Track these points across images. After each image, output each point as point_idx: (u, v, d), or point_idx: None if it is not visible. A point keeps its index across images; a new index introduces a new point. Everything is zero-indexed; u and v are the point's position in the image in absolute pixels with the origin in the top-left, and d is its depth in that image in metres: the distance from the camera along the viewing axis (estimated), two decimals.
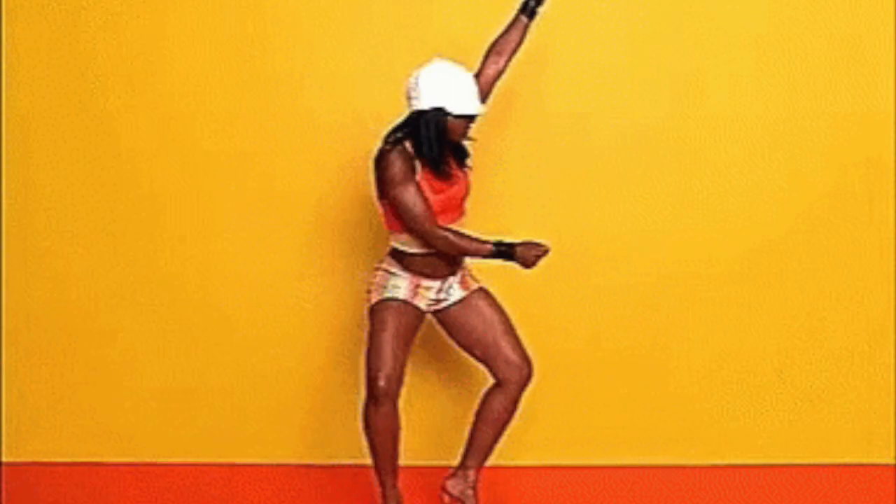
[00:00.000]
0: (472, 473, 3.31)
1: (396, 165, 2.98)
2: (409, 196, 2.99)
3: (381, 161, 3.02)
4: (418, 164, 3.03)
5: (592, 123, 3.74)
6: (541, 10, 3.25)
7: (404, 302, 3.15)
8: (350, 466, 3.77)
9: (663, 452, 3.83)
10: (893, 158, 3.73)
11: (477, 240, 3.07)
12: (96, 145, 3.77)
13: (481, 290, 3.28)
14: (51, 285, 3.83)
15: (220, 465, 3.84)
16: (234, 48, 3.73)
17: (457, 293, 3.23)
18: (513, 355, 3.21)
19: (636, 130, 3.73)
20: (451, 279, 3.23)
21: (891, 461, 3.82)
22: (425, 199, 3.01)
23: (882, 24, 3.68)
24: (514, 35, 3.23)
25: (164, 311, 3.84)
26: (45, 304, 3.84)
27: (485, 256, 3.07)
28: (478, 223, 3.72)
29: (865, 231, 3.76)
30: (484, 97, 3.19)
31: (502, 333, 3.22)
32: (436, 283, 3.19)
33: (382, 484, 3.25)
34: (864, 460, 3.81)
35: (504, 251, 3.04)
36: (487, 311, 3.23)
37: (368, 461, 3.28)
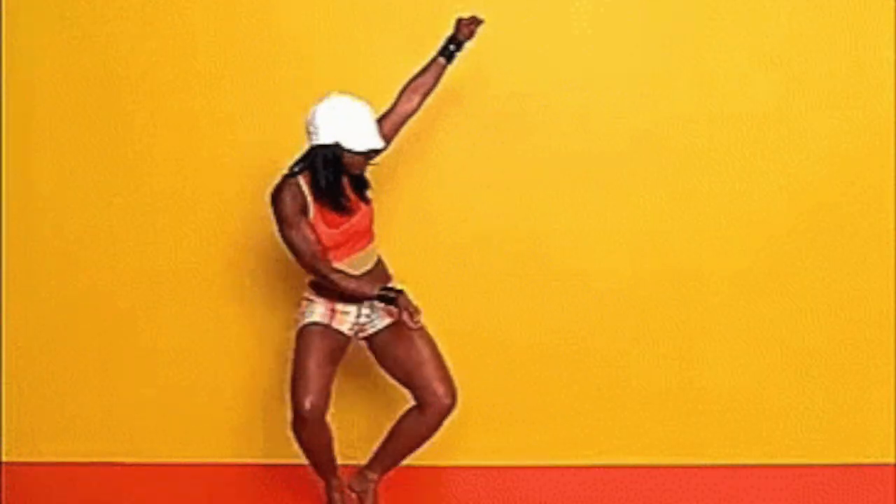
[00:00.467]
0: (373, 475, 3.36)
1: (286, 206, 3.02)
2: (299, 238, 3.04)
3: (274, 199, 3.05)
4: (310, 200, 3.05)
5: (593, 124, 3.74)
6: (459, 54, 3.28)
7: (324, 326, 3.18)
8: (349, 467, 3.77)
9: (663, 452, 3.83)
10: (893, 159, 3.73)
11: (364, 283, 3.08)
12: (96, 145, 3.78)
13: None
14: (51, 285, 3.84)
15: (220, 465, 3.84)
16: (234, 48, 3.73)
17: (382, 321, 3.26)
18: (436, 384, 3.18)
19: (636, 131, 3.73)
20: (367, 305, 3.23)
21: (891, 461, 3.82)
22: (313, 239, 3.04)
23: (882, 24, 3.68)
24: (429, 77, 3.26)
25: (163, 311, 3.84)
26: (45, 304, 3.85)
27: (368, 299, 3.09)
28: (477, 223, 3.73)
29: (866, 232, 3.76)
30: (392, 134, 3.22)
31: (427, 361, 3.20)
32: (352, 308, 3.21)
33: (326, 481, 3.37)
34: (864, 460, 3.81)
35: (386, 297, 3.03)
36: (414, 337, 3.22)
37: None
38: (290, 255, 3.05)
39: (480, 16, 3.34)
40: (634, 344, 3.81)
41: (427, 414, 3.18)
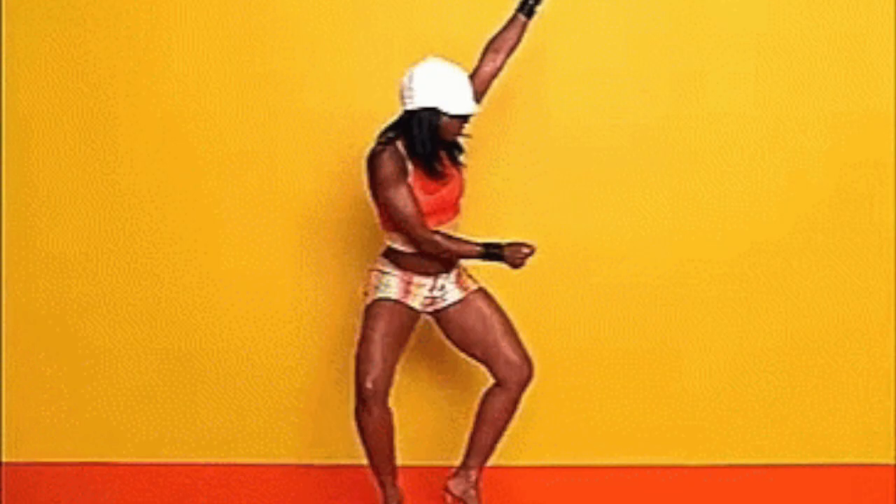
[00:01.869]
0: (473, 473, 3.32)
1: (387, 167, 2.96)
2: (400, 198, 2.98)
3: (372, 162, 3.00)
4: (410, 165, 3.02)
5: (592, 124, 3.74)
6: (539, 8, 3.25)
7: (396, 301, 3.15)
8: (349, 466, 3.77)
9: (663, 452, 3.83)
10: (893, 159, 3.73)
11: (466, 242, 3.07)
12: (96, 145, 3.78)
13: (480, 290, 3.27)
14: (51, 285, 3.84)
15: (220, 465, 3.84)
16: (234, 48, 3.73)
17: (454, 294, 3.23)
18: (513, 356, 3.20)
19: (636, 131, 3.73)
20: (444, 277, 3.22)
21: (891, 461, 3.82)
22: (416, 202, 3.00)
23: (882, 24, 3.68)
24: (512, 33, 3.23)
25: (162, 311, 3.84)
26: (45, 304, 3.85)
27: (474, 258, 3.07)
28: (477, 223, 3.73)
29: (865, 231, 3.76)
30: (480, 96, 3.18)
31: (502, 334, 3.21)
32: (428, 280, 3.19)
33: (382, 484, 3.25)
34: (864, 460, 3.82)
35: (492, 252, 3.05)
36: (487, 311, 3.22)
37: (367, 461, 3.29)
38: (392, 216, 3.03)
39: None
40: (634, 343, 3.81)
41: (508, 387, 3.18)
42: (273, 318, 3.83)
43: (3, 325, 3.86)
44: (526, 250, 3.04)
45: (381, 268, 3.19)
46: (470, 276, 3.30)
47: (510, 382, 3.20)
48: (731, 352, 3.81)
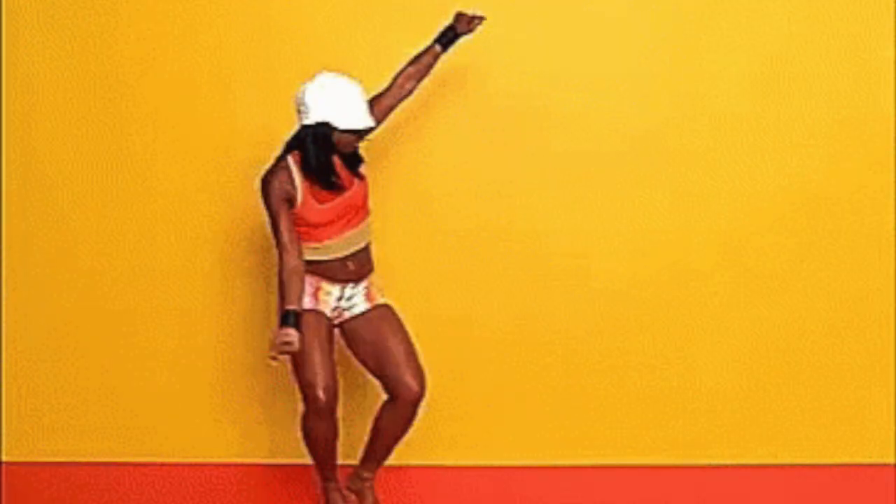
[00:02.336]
0: (368, 475, 3.34)
1: (271, 190, 3.04)
2: (277, 222, 3.06)
3: (261, 186, 3.06)
4: (299, 179, 3.05)
5: (592, 125, 3.74)
6: (457, 41, 3.30)
7: (312, 311, 3.16)
8: (349, 466, 3.77)
9: (663, 452, 3.83)
10: (893, 159, 3.73)
11: (284, 297, 3.05)
12: (96, 145, 3.78)
13: (385, 305, 3.27)
14: (51, 285, 3.84)
15: (221, 466, 3.84)
16: (234, 48, 3.73)
17: (361, 306, 3.24)
18: (406, 376, 3.15)
19: (636, 132, 3.73)
20: (352, 287, 3.23)
21: (891, 461, 3.82)
22: (290, 228, 3.06)
23: (882, 24, 3.68)
24: (425, 62, 3.29)
25: (163, 311, 3.84)
26: (45, 304, 3.85)
27: (279, 310, 3.08)
28: (477, 222, 3.73)
29: (865, 231, 3.76)
30: (384, 116, 3.23)
31: (399, 352, 3.18)
32: (334, 289, 3.20)
33: (326, 479, 3.31)
34: (864, 460, 3.82)
35: (285, 320, 3.00)
36: (386, 326, 3.21)
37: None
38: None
39: (481, 14, 3.34)
40: (634, 343, 3.81)
41: (399, 405, 3.15)
42: (273, 318, 3.83)
43: (3, 325, 3.86)
44: (289, 338, 2.98)
45: None
46: (379, 290, 3.30)
47: (401, 400, 3.16)
48: (731, 352, 3.81)
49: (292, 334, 2.96)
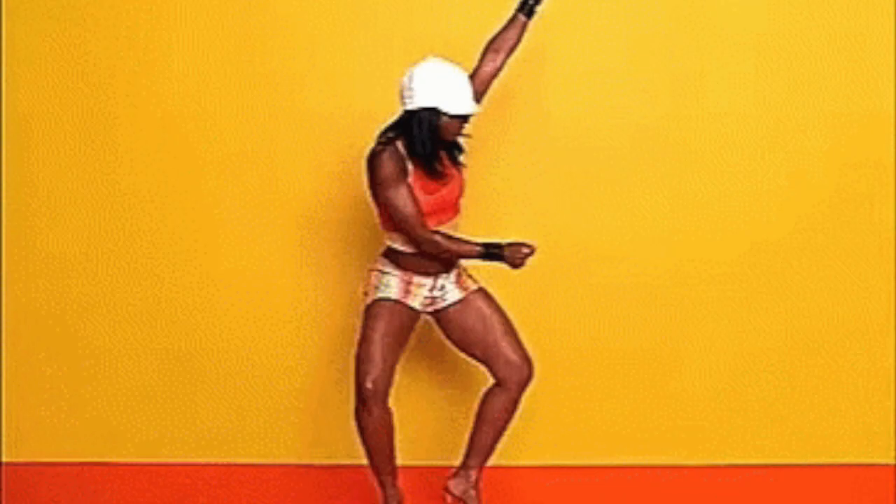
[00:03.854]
0: (473, 473, 3.32)
1: (387, 166, 2.96)
2: (400, 198, 2.98)
3: (372, 162, 3.00)
4: (410, 165, 3.02)
5: (592, 124, 3.74)
6: (539, 8, 3.25)
7: (396, 301, 3.15)
8: (349, 466, 3.77)
9: (663, 452, 3.83)
10: (893, 159, 3.73)
11: (466, 242, 3.07)
12: (96, 145, 3.78)
13: (480, 290, 3.27)
14: (51, 285, 3.84)
15: (220, 465, 3.84)
16: (234, 48, 3.73)
17: (454, 294, 3.23)
18: (513, 356, 3.20)
19: (636, 131, 3.73)
20: (444, 277, 3.22)
21: (891, 461, 3.82)
22: (416, 201, 3.00)
23: (882, 24, 3.68)
24: (512, 33, 3.23)
25: (163, 311, 3.84)
26: (45, 304, 3.85)
27: (474, 258, 3.07)
28: (477, 223, 3.73)
29: (865, 231, 3.76)
30: (480, 96, 3.19)
31: (502, 334, 3.22)
32: (428, 281, 3.19)
33: (382, 484, 3.25)
34: (864, 460, 3.82)
35: (493, 252, 3.05)
36: (486, 311, 3.23)
37: (367, 461, 3.28)
38: (392, 216, 3.04)
39: None
40: (634, 343, 3.81)
41: (508, 387, 3.19)
42: (273, 318, 3.83)
43: (3, 325, 3.86)
44: (526, 250, 3.04)
45: (380, 268, 3.19)
46: (470, 276, 3.30)
47: (510, 382, 3.20)
48: (731, 352, 3.81)
49: (524, 247, 3.02)
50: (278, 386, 3.86)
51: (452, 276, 3.24)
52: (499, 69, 3.23)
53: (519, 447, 3.80)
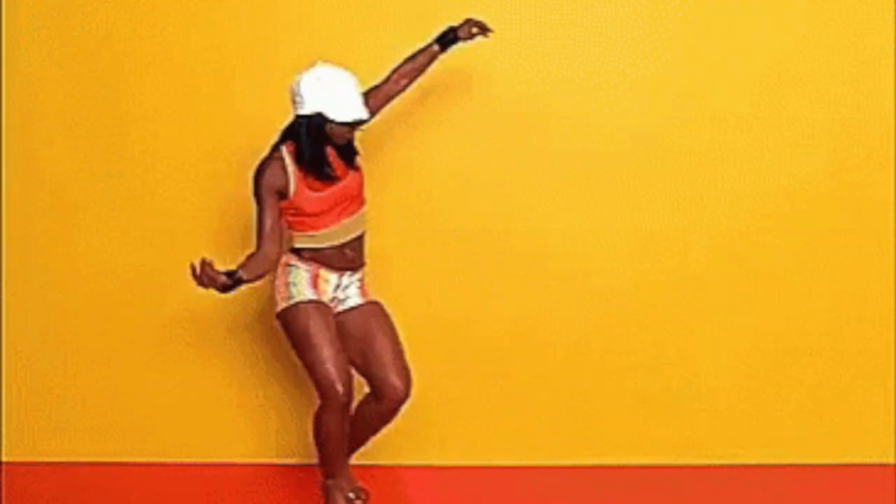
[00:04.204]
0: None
1: (262, 178, 3.04)
2: (262, 212, 3.06)
3: (255, 173, 3.08)
4: (293, 169, 3.06)
5: (592, 124, 3.74)
6: (454, 47, 3.32)
7: (318, 302, 3.15)
8: (349, 466, 3.77)
9: (663, 452, 3.83)
10: (893, 158, 3.73)
11: (243, 264, 3.01)
12: (96, 145, 3.78)
13: (376, 302, 3.28)
14: (51, 285, 3.84)
15: (220, 465, 3.84)
16: (235, 48, 3.73)
17: (354, 299, 3.25)
18: (391, 375, 3.16)
19: (636, 131, 3.74)
20: (349, 276, 3.23)
21: (891, 461, 3.82)
22: (274, 219, 3.06)
23: (882, 24, 3.68)
24: (423, 61, 3.31)
25: (163, 311, 3.84)
26: (45, 304, 3.85)
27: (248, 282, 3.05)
28: (478, 222, 3.74)
29: (865, 231, 3.76)
30: (377, 109, 3.24)
31: (387, 351, 3.18)
32: (333, 276, 3.20)
33: (330, 476, 3.26)
34: (864, 460, 3.81)
35: (229, 274, 2.96)
36: (375, 323, 3.22)
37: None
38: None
39: (489, 28, 3.35)
40: (634, 343, 3.81)
41: (383, 404, 3.16)
42: (274, 317, 3.83)
43: (3, 325, 3.85)
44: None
45: (287, 261, 3.20)
46: (369, 287, 3.33)
47: (386, 400, 3.17)
48: (731, 352, 3.81)
49: (219, 279, 2.88)
50: (279, 386, 3.86)
51: (356, 279, 3.26)
52: (401, 91, 3.31)
53: (518, 447, 3.80)
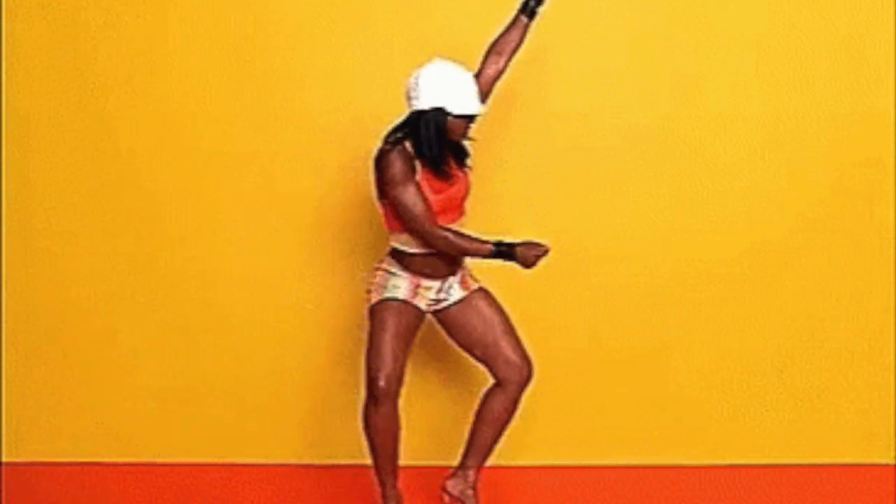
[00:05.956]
0: (472, 473, 3.32)
1: (396, 165, 2.98)
2: (409, 196, 2.99)
3: (380, 161, 3.02)
4: (418, 164, 3.03)
5: (592, 123, 3.74)
6: (541, 9, 3.25)
7: (404, 302, 3.15)
8: (350, 466, 3.77)
9: (663, 452, 3.83)
10: (893, 158, 3.73)
11: (477, 240, 3.07)
12: (96, 145, 3.78)
13: (481, 290, 3.28)
14: (51, 285, 3.84)
15: (220, 465, 3.84)
16: (235, 48, 3.73)
17: (457, 293, 3.24)
18: (513, 356, 3.21)
19: (636, 130, 3.74)
20: (451, 279, 3.23)
21: (891, 461, 3.82)
22: (425, 199, 3.01)
23: (882, 24, 3.68)
24: (514, 35, 3.24)
25: (164, 311, 3.84)
26: (45, 304, 3.85)
27: (485, 256, 3.07)
28: (478, 223, 3.72)
29: (865, 231, 3.76)
30: (484, 97, 3.19)
31: (502, 333, 3.22)
32: (436, 283, 3.19)
33: (382, 484, 3.26)
34: (864, 460, 3.81)
35: (504, 251, 3.04)
36: (487, 311, 3.23)
37: (368, 461, 3.28)
38: (402, 216, 3.04)
39: None
40: (634, 343, 3.81)
41: (507, 387, 3.19)
42: (276, 318, 3.83)
43: (3, 325, 3.85)
44: (539, 250, 3.05)
45: (388, 268, 3.20)
46: (472, 276, 3.31)
47: (509, 382, 3.21)
48: (731, 351, 3.81)
49: (538, 247, 3.01)
50: (280, 386, 3.86)
51: (458, 275, 3.25)
52: (502, 71, 3.24)
53: (519, 447, 3.79)
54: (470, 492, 3.32)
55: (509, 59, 3.24)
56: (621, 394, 3.83)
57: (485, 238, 3.08)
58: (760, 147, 3.74)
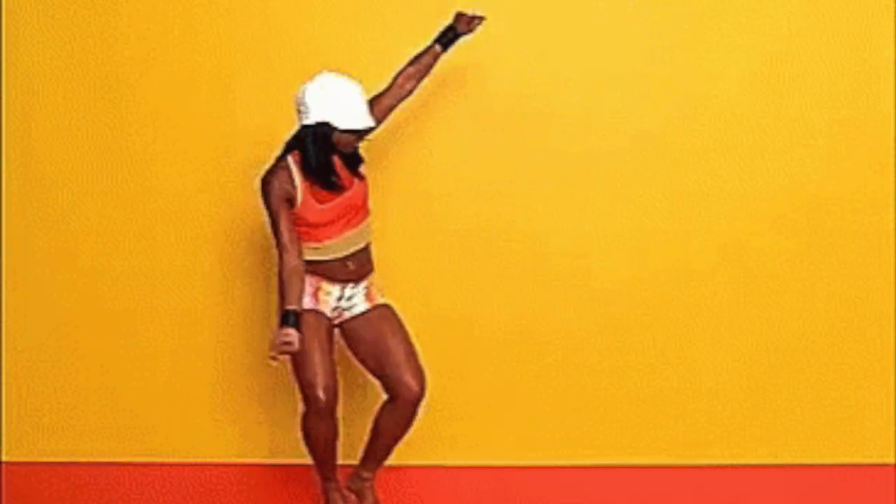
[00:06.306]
0: (367, 474, 3.33)
1: (271, 192, 3.04)
2: (278, 224, 3.05)
3: (261, 185, 3.07)
4: (298, 179, 3.06)
5: (593, 125, 3.74)
6: (454, 45, 3.31)
7: (312, 311, 3.16)
8: (349, 466, 3.77)
9: (663, 452, 3.83)
10: (893, 158, 3.73)
11: (286, 296, 3.04)
12: (96, 145, 3.78)
13: (385, 305, 3.27)
14: (51, 285, 3.84)
15: (220, 465, 3.84)
16: (234, 48, 3.73)
17: (361, 305, 3.25)
18: (405, 375, 3.15)
19: (636, 132, 3.73)
20: (353, 288, 3.23)
21: (891, 461, 3.82)
22: (291, 228, 3.06)
23: (882, 24, 3.68)
24: (426, 62, 3.29)
25: (164, 311, 3.84)
26: (45, 304, 3.85)
27: (279, 310, 3.09)
28: (477, 223, 3.73)
29: (866, 232, 3.76)
30: (384, 116, 3.24)
31: (397, 351, 3.17)
32: (334, 288, 3.20)
33: (326, 479, 3.30)
34: (864, 460, 3.81)
35: (282, 318, 3.00)
36: (386, 326, 3.21)
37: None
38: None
39: (481, 14, 3.35)
40: (634, 343, 3.81)
41: (399, 405, 3.15)
42: (273, 318, 3.83)
43: (3, 325, 3.85)
44: (284, 339, 2.97)
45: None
46: (379, 290, 3.31)
47: (402, 401, 3.15)
48: (732, 352, 3.81)
49: (292, 334, 2.96)
50: (279, 386, 3.86)
51: (361, 288, 3.25)
52: (407, 95, 3.29)
53: (519, 447, 3.80)
54: (368, 491, 3.33)
55: (416, 85, 3.30)
56: (621, 394, 3.83)
57: (293, 305, 3.01)
58: (760, 147, 3.74)
